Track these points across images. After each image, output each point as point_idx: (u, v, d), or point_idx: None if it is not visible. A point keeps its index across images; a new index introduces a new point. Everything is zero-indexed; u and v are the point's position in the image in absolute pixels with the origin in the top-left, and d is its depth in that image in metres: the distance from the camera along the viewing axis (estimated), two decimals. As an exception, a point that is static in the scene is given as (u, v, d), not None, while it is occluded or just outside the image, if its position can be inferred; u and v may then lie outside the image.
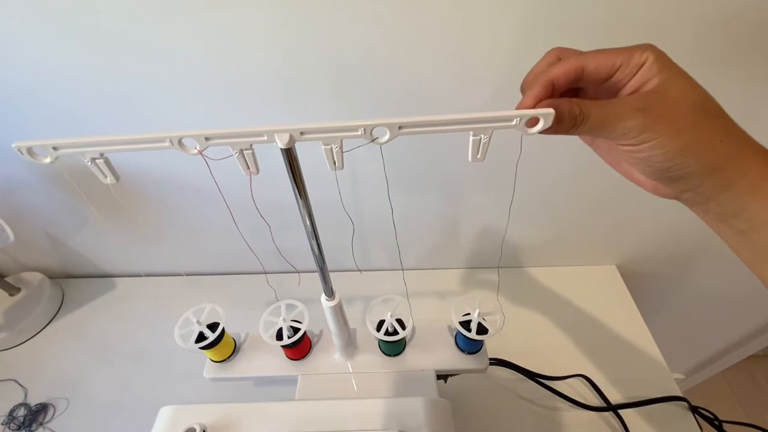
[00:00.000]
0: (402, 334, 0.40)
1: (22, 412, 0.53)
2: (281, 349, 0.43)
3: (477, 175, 0.54)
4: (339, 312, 0.39)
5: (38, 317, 0.62)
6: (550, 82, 0.22)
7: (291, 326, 0.41)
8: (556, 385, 0.52)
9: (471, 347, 0.43)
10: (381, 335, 0.40)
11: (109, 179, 0.23)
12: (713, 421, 0.52)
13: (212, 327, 0.41)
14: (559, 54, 0.24)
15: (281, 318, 0.41)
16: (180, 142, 0.21)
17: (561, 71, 0.22)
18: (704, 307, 0.79)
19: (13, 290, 0.63)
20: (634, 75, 0.21)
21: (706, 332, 0.89)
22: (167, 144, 0.21)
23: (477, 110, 0.22)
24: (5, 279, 0.63)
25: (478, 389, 0.53)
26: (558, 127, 0.22)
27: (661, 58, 0.21)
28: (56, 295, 0.66)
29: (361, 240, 0.63)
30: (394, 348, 0.43)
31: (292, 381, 0.43)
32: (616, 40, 0.38)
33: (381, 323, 0.41)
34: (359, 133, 0.22)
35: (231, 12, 0.37)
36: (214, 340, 0.40)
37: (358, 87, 0.43)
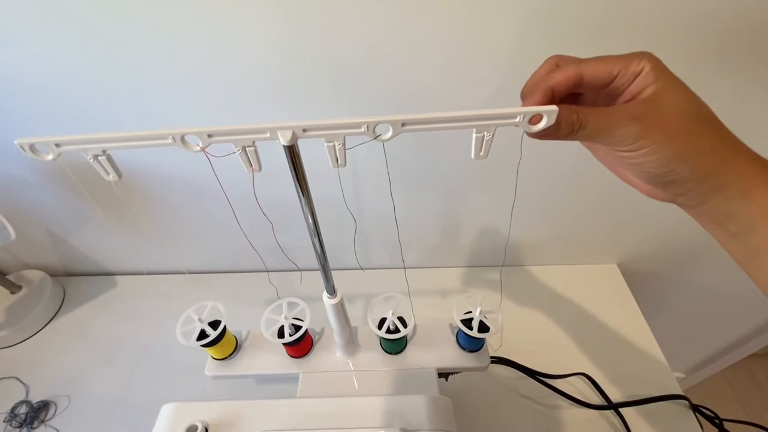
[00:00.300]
0: (403, 332, 0.40)
1: (23, 409, 0.53)
2: (283, 347, 0.43)
3: (478, 174, 0.54)
4: (341, 310, 0.39)
5: (39, 315, 0.62)
6: (550, 89, 0.23)
7: (292, 324, 0.41)
8: (557, 383, 0.53)
9: (472, 345, 0.43)
10: (382, 333, 0.40)
11: (112, 176, 0.23)
12: (714, 419, 0.52)
13: (214, 325, 0.41)
14: (558, 61, 0.24)
15: (283, 316, 0.41)
16: (182, 139, 0.21)
17: (560, 78, 0.23)
18: (705, 305, 0.79)
19: (14, 288, 0.63)
20: (631, 82, 0.22)
21: (707, 331, 0.89)
22: (170, 141, 0.21)
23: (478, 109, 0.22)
24: (6, 277, 0.63)
25: (478, 387, 0.53)
26: (556, 133, 0.22)
27: (658, 66, 0.22)
28: (57, 293, 0.66)
29: (362, 238, 0.63)
30: (395, 346, 0.43)
31: (293, 379, 0.43)
32: (615, 41, 0.38)
33: (382, 321, 0.41)
34: (362, 130, 0.22)
35: (233, 10, 0.37)
36: (216, 337, 0.40)
37: (358, 87, 0.43)
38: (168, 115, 0.45)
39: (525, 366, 0.53)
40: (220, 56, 0.40)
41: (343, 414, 0.33)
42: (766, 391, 1.26)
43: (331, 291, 0.37)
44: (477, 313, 0.40)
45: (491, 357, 0.44)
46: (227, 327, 0.42)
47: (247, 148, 0.22)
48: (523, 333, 0.58)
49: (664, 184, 0.23)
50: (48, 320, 0.63)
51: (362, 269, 0.66)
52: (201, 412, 0.34)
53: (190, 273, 0.69)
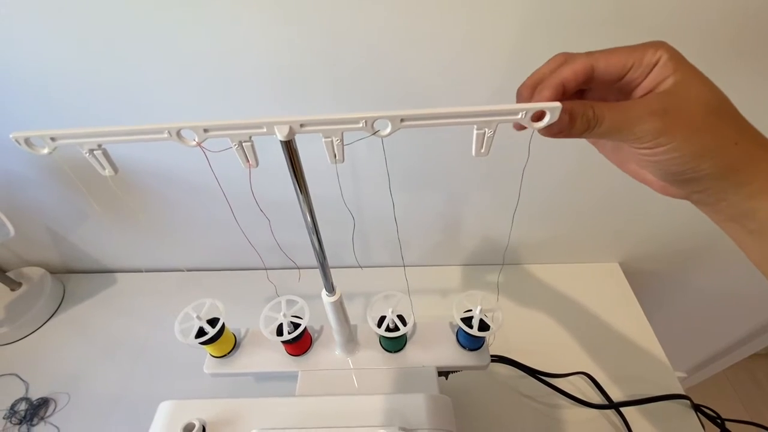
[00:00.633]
0: (403, 330, 0.40)
1: (23, 406, 0.53)
2: (281, 344, 0.43)
3: (478, 173, 0.53)
4: (340, 308, 0.38)
5: (39, 312, 0.62)
6: (561, 84, 0.21)
7: (291, 322, 0.41)
8: (558, 382, 0.52)
9: (472, 344, 0.42)
10: (382, 331, 0.40)
11: (108, 171, 0.22)
12: (716, 419, 0.52)
13: (212, 322, 0.41)
14: (566, 58, 0.23)
15: (282, 313, 0.41)
16: (178, 134, 0.21)
17: (570, 72, 0.21)
18: (706, 305, 0.78)
19: (14, 285, 0.63)
20: (647, 74, 0.21)
21: (708, 331, 0.88)
22: (165, 135, 0.21)
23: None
24: (6, 274, 0.63)
25: (478, 386, 0.53)
26: (570, 130, 0.21)
27: (676, 56, 0.20)
28: (57, 290, 0.66)
29: (361, 236, 0.63)
30: (395, 344, 0.43)
31: (292, 377, 0.43)
32: (621, 36, 0.37)
33: (382, 319, 0.40)
34: (360, 125, 0.22)
35: (233, 11, 0.36)
36: (215, 335, 0.40)
37: (358, 86, 0.42)
38: (167, 114, 0.45)
39: (526, 365, 0.52)
40: (219, 56, 0.40)
41: (342, 412, 0.33)
42: (767, 390, 1.26)
43: (330, 289, 0.37)
44: (477, 311, 0.40)
45: (491, 356, 0.44)
46: (226, 324, 0.42)
47: (243, 144, 0.22)
48: (523, 332, 0.58)
49: (684, 182, 0.22)
50: (48, 317, 0.63)
51: (361, 267, 0.66)
52: (198, 410, 0.34)
53: (189, 270, 0.69)
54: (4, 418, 0.52)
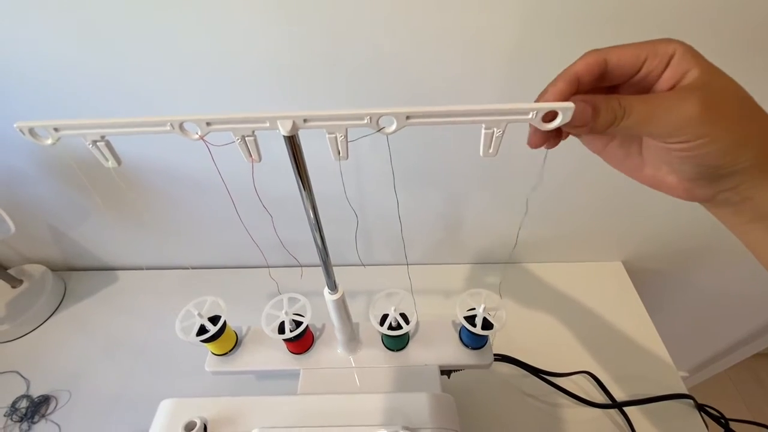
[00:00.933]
0: (406, 328, 0.39)
1: (24, 403, 0.52)
2: (283, 343, 0.43)
3: (480, 172, 0.53)
4: (342, 306, 0.38)
5: (40, 309, 0.62)
6: (575, 76, 0.20)
7: (293, 320, 0.40)
8: (561, 381, 0.52)
9: (475, 342, 0.42)
10: (384, 329, 0.39)
11: (111, 163, 0.22)
12: (720, 419, 0.52)
13: (213, 320, 0.40)
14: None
15: (283, 311, 0.41)
16: (181, 127, 0.21)
17: (582, 65, 0.20)
18: (709, 304, 0.78)
19: (15, 282, 0.63)
20: (664, 68, 0.20)
21: (711, 330, 0.88)
22: (168, 128, 0.21)
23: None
24: (7, 271, 0.63)
25: (481, 385, 0.53)
26: (594, 124, 0.20)
27: (691, 50, 0.20)
28: (58, 288, 0.65)
29: (364, 235, 0.63)
30: (397, 343, 0.42)
31: (293, 376, 0.42)
32: (625, 35, 0.37)
33: (384, 317, 0.40)
34: (365, 122, 0.22)
35: (235, 9, 0.36)
36: (216, 333, 0.40)
37: (360, 87, 0.42)
38: (167, 109, 0.45)
39: (528, 364, 0.52)
40: (220, 55, 0.40)
41: (344, 411, 0.33)
42: (770, 390, 1.25)
43: (333, 286, 0.36)
44: (480, 310, 0.39)
45: (494, 354, 0.44)
46: (227, 322, 0.41)
47: (246, 138, 0.22)
48: (526, 330, 0.57)
49: (717, 178, 0.20)
50: (49, 315, 0.63)
51: (364, 266, 0.65)
52: (200, 409, 0.33)
53: (190, 269, 0.69)
54: (5, 415, 0.51)
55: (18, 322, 0.59)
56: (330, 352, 0.43)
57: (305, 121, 0.21)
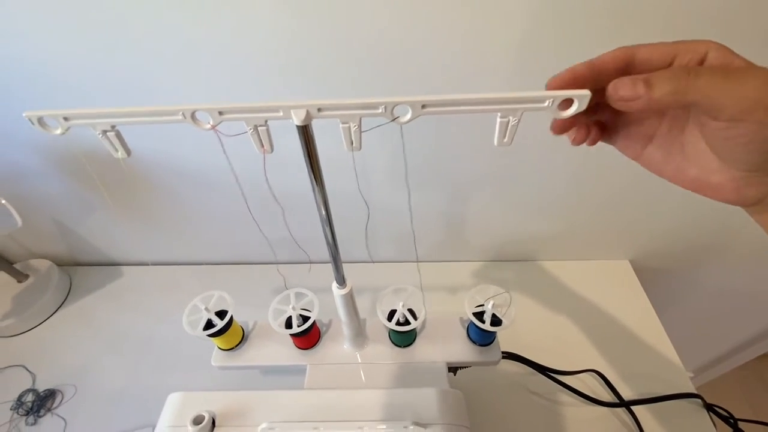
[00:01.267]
0: (414, 324, 0.39)
1: (30, 397, 0.53)
2: (290, 338, 0.42)
3: (487, 168, 0.53)
4: (350, 300, 0.38)
5: (46, 304, 0.62)
6: (593, 62, 0.20)
7: (300, 315, 0.40)
8: (568, 380, 0.52)
9: (483, 339, 0.42)
10: (392, 325, 0.39)
11: (120, 153, 0.22)
12: (728, 419, 0.51)
13: (220, 315, 0.40)
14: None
15: (291, 306, 0.40)
16: (193, 116, 0.21)
17: (609, 56, 0.20)
18: (716, 304, 0.77)
19: (21, 277, 0.63)
20: (699, 64, 0.19)
21: (717, 330, 0.87)
22: (180, 117, 0.20)
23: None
24: (13, 265, 0.63)
25: (487, 383, 0.52)
26: (652, 94, 0.18)
27: (725, 47, 0.19)
28: (64, 283, 0.65)
29: (370, 231, 0.62)
30: (404, 339, 0.42)
31: (298, 371, 0.42)
32: (633, 32, 0.36)
33: (392, 313, 0.40)
34: (380, 111, 0.21)
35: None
36: (223, 327, 0.39)
37: (368, 80, 0.42)
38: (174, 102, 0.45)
39: (535, 362, 0.52)
40: (224, 49, 0.39)
41: (353, 406, 0.33)
42: (775, 391, 1.25)
43: (341, 281, 0.36)
44: (489, 306, 0.39)
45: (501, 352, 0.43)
46: (234, 317, 0.41)
47: (258, 128, 0.22)
48: (533, 328, 0.57)
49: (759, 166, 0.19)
50: (54, 309, 0.63)
51: (373, 261, 0.65)
52: (208, 402, 0.33)
53: (196, 264, 0.69)
54: (11, 409, 0.52)
55: (24, 316, 0.60)
56: (337, 347, 0.43)
57: (319, 110, 0.21)
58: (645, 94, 0.18)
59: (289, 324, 0.40)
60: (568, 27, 0.37)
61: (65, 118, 0.20)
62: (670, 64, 0.19)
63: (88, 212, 0.61)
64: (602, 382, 0.52)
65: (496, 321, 0.39)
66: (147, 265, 0.69)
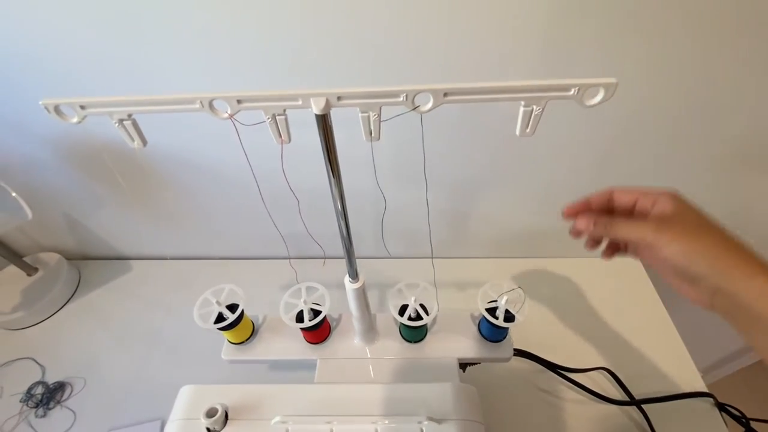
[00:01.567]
0: (426, 319, 0.39)
1: (39, 390, 0.53)
2: (300, 332, 0.42)
3: (497, 165, 0.52)
4: (362, 295, 0.38)
5: (55, 297, 0.62)
6: (586, 199, 0.31)
7: (311, 309, 0.40)
8: (578, 377, 0.51)
9: (495, 335, 0.41)
10: (404, 320, 0.39)
11: (137, 143, 0.22)
12: (740, 419, 0.51)
13: (231, 309, 0.40)
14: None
15: (302, 300, 0.40)
16: (211, 104, 0.20)
17: (597, 194, 0.30)
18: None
19: (30, 270, 0.63)
20: (650, 207, 0.27)
21: (726, 329, 0.86)
22: (197, 106, 0.20)
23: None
24: (23, 259, 0.63)
25: (496, 380, 0.52)
26: (594, 231, 0.29)
27: (676, 195, 0.27)
28: (73, 276, 0.66)
29: (378, 227, 0.62)
30: (415, 334, 0.42)
31: (308, 366, 0.42)
32: (646, 24, 0.35)
33: (404, 308, 0.40)
34: (401, 99, 0.21)
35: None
36: (234, 320, 0.39)
37: (385, 71, 0.41)
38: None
39: (545, 359, 0.51)
40: (238, 35, 0.39)
41: (366, 401, 0.32)
42: (782, 392, 1.23)
43: (354, 275, 0.36)
44: (503, 302, 0.39)
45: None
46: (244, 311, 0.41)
47: (277, 117, 0.21)
48: (543, 325, 0.56)
49: (693, 279, 0.25)
50: (64, 303, 0.63)
51: (383, 258, 0.65)
52: (219, 395, 0.33)
53: (205, 259, 0.69)
54: (20, 401, 0.52)
55: (33, 309, 0.60)
56: (347, 342, 0.43)
57: (339, 98, 0.21)
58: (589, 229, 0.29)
59: (299, 318, 0.40)
60: (592, 17, 0.36)
61: (82, 107, 0.20)
62: (635, 205, 0.29)
63: (98, 206, 0.61)
64: (613, 380, 0.52)
65: (509, 317, 0.38)
66: (156, 259, 0.69)
